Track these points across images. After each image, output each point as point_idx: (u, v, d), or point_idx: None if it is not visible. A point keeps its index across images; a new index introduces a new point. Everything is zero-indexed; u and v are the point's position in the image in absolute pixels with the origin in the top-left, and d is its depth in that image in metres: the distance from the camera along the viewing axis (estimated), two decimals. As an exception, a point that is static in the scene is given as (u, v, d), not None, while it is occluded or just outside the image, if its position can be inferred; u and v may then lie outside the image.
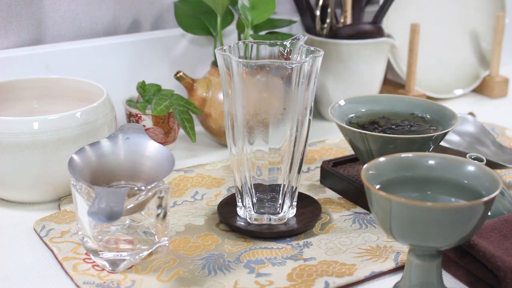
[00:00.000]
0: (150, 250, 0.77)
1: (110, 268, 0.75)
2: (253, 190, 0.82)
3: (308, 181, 0.97)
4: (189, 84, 1.06)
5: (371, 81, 1.17)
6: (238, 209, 0.85)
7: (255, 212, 0.83)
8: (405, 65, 1.27)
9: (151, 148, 0.79)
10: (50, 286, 0.74)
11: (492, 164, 0.90)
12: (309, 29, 1.20)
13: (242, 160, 0.81)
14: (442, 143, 0.94)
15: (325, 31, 1.19)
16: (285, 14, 1.27)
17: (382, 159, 0.71)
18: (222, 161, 1.03)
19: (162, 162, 0.77)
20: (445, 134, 0.84)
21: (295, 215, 0.84)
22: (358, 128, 0.86)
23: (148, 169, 0.78)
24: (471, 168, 0.71)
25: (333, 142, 1.10)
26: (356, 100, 0.92)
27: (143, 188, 0.72)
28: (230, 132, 0.81)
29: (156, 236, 0.78)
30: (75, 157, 0.76)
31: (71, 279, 0.74)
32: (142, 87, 1.03)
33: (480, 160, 0.83)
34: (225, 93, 0.80)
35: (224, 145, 1.09)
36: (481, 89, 1.36)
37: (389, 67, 1.29)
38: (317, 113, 1.22)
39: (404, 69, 1.28)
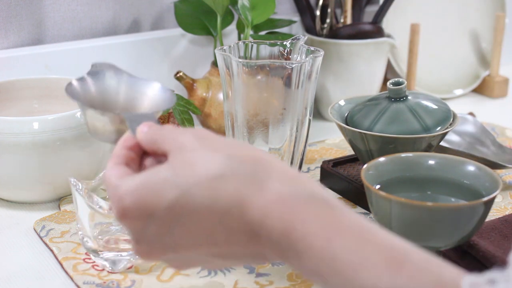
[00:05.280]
0: (150, 250, 0.77)
1: (110, 268, 0.75)
2: (253, 190, 0.82)
3: (308, 181, 0.96)
4: (189, 84, 1.06)
5: (371, 81, 1.17)
6: (238, 209, 0.85)
7: (255, 212, 0.83)
8: (405, 65, 1.27)
9: (150, 87, 0.74)
10: (50, 286, 0.74)
11: (492, 164, 0.90)
12: (309, 29, 1.20)
13: (242, 160, 0.81)
14: (442, 143, 0.94)
15: (325, 31, 1.19)
16: (285, 14, 1.27)
17: (382, 159, 0.71)
18: (222, 161, 1.02)
19: (160, 99, 0.72)
20: (445, 134, 0.84)
21: (295, 215, 0.84)
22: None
23: (146, 106, 0.73)
24: (471, 168, 0.71)
25: (333, 142, 1.10)
26: (356, 100, 0.92)
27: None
28: (230, 132, 0.81)
29: (156, 236, 0.78)
30: (75, 83, 0.69)
31: (71, 279, 0.74)
32: (142, 87, 1.03)
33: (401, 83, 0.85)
34: (225, 93, 0.80)
35: (224, 145, 1.09)
36: (481, 89, 1.36)
37: (389, 67, 1.29)
38: (317, 113, 1.22)
39: (404, 69, 1.28)
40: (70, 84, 0.66)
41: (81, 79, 0.68)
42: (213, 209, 0.47)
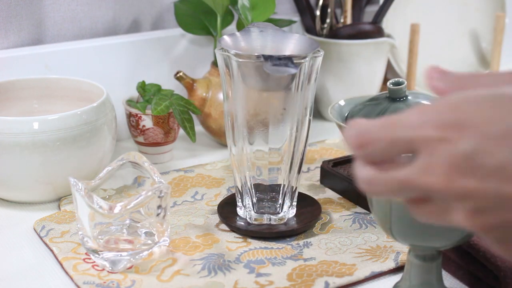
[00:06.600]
0: (150, 250, 0.77)
1: (110, 268, 0.75)
2: (253, 190, 0.82)
3: (308, 181, 0.97)
4: (189, 84, 1.06)
5: (371, 81, 1.18)
6: (238, 209, 0.85)
7: (255, 212, 0.83)
8: (405, 65, 1.27)
9: (291, 37, 0.78)
10: (50, 286, 0.74)
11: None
12: (309, 29, 1.20)
13: (242, 160, 0.81)
14: (442, 143, 0.94)
15: (325, 31, 1.19)
16: (285, 14, 1.27)
17: (382, 159, 0.71)
18: (222, 161, 1.03)
19: (305, 45, 0.75)
20: (445, 134, 0.84)
21: (295, 215, 0.84)
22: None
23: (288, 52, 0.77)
24: (471, 168, 0.71)
25: (333, 142, 1.10)
26: (356, 100, 0.92)
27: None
28: (230, 132, 0.81)
29: (156, 236, 0.78)
30: (226, 38, 0.75)
31: (71, 279, 0.74)
32: (142, 87, 1.03)
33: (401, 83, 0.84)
34: (225, 93, 0.80)
35: (224, 145, 1.09)
36: (481, 89, 1.36)
37: (389, 67, 1.29)
38: (317, 113, 1.22)
39: (404, 69, 1.28)
40: (222, 38, 0.75)
41: (232, 35, 0.75)
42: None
